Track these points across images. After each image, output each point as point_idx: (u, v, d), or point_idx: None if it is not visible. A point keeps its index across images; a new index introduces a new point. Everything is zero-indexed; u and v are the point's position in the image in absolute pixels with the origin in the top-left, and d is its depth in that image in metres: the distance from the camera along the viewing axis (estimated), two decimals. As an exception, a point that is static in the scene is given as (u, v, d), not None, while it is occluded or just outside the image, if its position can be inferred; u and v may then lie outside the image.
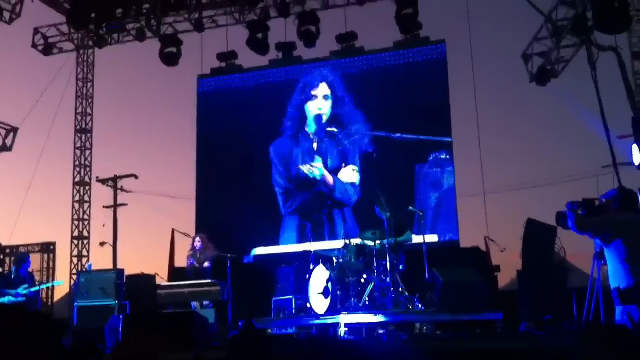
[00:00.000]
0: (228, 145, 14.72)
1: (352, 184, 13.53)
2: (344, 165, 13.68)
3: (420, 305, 8.79)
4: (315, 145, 14.00)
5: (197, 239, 11.30)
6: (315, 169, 13.78)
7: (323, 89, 14.27)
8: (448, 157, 13.15)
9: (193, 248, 11.20)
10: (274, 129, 14.37)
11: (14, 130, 16.89)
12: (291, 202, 13.89)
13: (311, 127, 14.11)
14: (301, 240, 12.67)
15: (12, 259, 13.80)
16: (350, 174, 13.58)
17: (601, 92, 12.02)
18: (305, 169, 13.86)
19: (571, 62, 13.26)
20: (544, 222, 9.42)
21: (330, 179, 13.70)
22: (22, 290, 10.32)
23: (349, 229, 12.49)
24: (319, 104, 14.19)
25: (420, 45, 14.07)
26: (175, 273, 12.85)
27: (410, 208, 10.33)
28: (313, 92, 14.28)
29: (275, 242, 13.67)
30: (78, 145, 17.78)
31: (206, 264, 10.87)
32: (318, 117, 14.11)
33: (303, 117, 14.24)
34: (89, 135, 17.87)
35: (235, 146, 14.65)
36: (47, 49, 16.31)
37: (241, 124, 14.73)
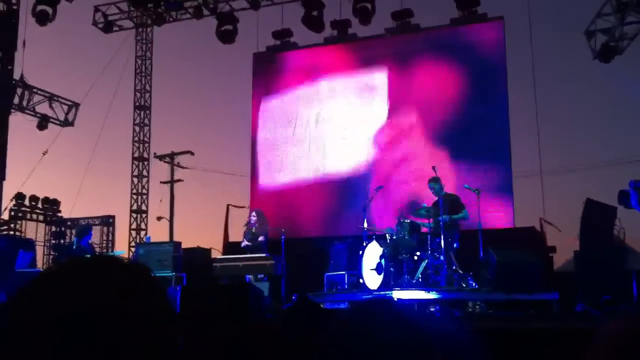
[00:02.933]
0: (284, 124, 14.81)
1: None
2: None
3: (473, 284, 8.74)
4: None
5: (253, 213, 11.43)
6: None
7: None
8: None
9: (248, 222, 11.34)
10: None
11: (76, 105, 17.35)
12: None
13: None
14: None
15: (74, 230, 14.21)
16: None
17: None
18: None
19: (635, 38, 12.85)
20: (603, 202, 9.21)
21: None
22: (84, 260, 10.64)
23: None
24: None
25: (478, 22, 13.83)
26: (229, 247, 13.06)
27: (466, 186, 10.24)
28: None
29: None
30: (137, 121, 18.14)
31: (261, 238, 11.00)
32: None
33: None
34: (147, 111, 18.20)
35: (291, 125, 14.73)
36: (107, 27, 16.66)
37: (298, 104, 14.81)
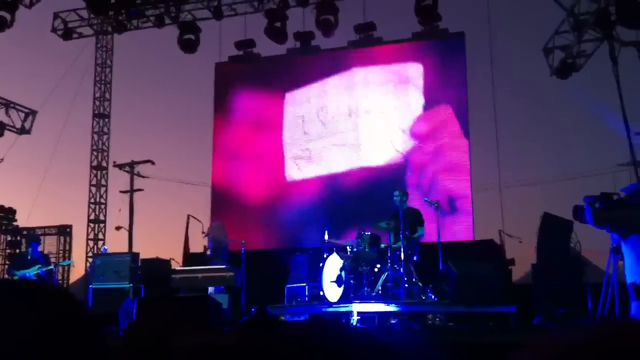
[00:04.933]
0: (245, 134, 14.74)
1: None
2: None
3: (433, 296, 8.77)
4: None
5: (212, 225, 11.35)
6: None
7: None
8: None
9: (209, 233, 11.24)
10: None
11: (33, 113, 17.02)
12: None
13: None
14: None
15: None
16: None
17: (622, 88, 11.92)
18: None
19: (592, 56, 13.13)
20: (559, 216, 9.36)
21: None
22: (35, 269, 10.43)
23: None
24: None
25: (439, 37, 14.00)
26: (189, 258, 12.91)
27: (426, 199, 10.30)
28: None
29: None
30: (96, 129, 17.86)
31: (208, 252, 10.95)
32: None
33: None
34: (106, 120, 17.94)
35: (252, 135, 14.67)
36: (67, 34, 16.39)
37: (259, 115, 14.75)
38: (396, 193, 9.51)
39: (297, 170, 14.18)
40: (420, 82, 13.73)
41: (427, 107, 13.62)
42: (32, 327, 0.91)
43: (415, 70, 13.84)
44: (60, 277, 14.84)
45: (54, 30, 16.33)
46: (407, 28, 14.38)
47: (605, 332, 0.91)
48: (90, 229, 17.65)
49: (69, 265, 14.60)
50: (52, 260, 13.44)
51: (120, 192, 21.42)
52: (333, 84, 14.38)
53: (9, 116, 16.57)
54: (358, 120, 14.00)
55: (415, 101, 13.74)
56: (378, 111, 13.90)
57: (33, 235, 11.81)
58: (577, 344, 0.91)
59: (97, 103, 17.87)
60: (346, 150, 13.94)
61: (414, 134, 13.56)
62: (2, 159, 16.40)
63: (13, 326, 0.90)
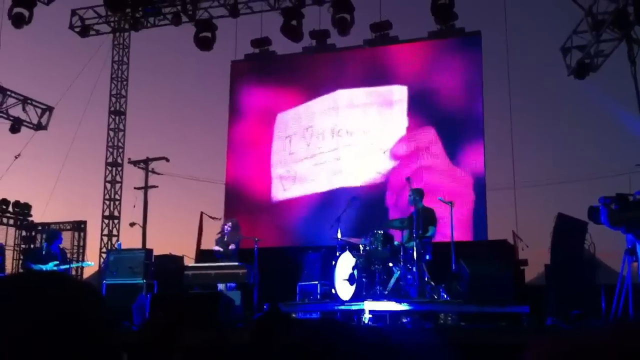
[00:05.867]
0: (259, 132, 14.76)
1: None
2: None
3: (445, 296, 8.75)
4: None
5: (228, 223, 11.34)
6: None
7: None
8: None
9: (222, 231, 11.26)
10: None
11: (50, 109, 17.16)
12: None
13: None
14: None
15: (44, 235, 14.03)
16: None
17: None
18: None
19: (610, 56, 13.03)
20: (574, 217, 9.30)
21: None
22: (52, 266, 10.48)
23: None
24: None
25: (455, 36, 13.95)
26: (202, 255, 12.96)
27: (440, 198, 10.26)
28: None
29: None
30: (112, 126, 17.98)
31: (232, 246, 10.92)
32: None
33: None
34: (122, 117, 18.06)
35: (265, 134, 14.68)
36: (84, 31, 16.50)
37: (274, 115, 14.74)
38: (411, 195, 9.50)
39: (312, 168, 14.18)
40: (404, 104, 13.67)
41: (411, 128, 13.53)
42: (51, 317, 0.92)
43: (399, 93, 13.77)
44: (74, 272, 14.95)
45: (71, 27, 16.45)
46: (423, 27, 14.39)
47: (622, 334, 0.90)
48: (104, 225, 17.78)
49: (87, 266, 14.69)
50: (69, 257, 13.56)
51: (135, 188, 21.65)
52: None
53: (26, 112, 16.72)
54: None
55: (398, 123, 13.66)
56: (360, 132, 13.87)
57: (54, 232, 11.88)
58: (595, 345, 0.90)
59: (113, 100, 17.99)
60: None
61: (394, 155, 13.51)
62: (19, 155, 16.55)
63: (33, 315, 0.91)
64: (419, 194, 9.56)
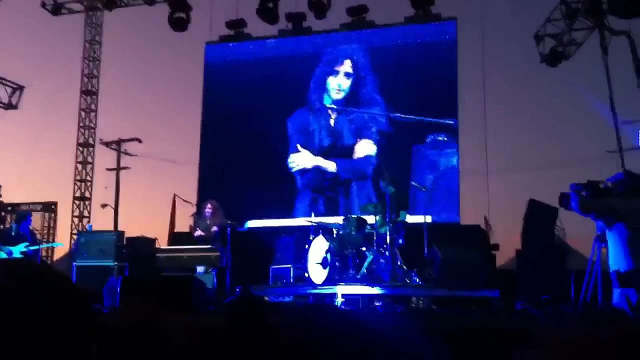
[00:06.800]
0: (234, 113, 14.64)
1: (368, 157, 13.39)
2: (358, 139, 13.54)
3: (417, 280, 8.82)
4: (332, 121, 13.86)
5: (208, 205, 11.20)
6: (295, 162, 13.70)
7: (346, 66, 14.07)
8: (446, 139, 13.05)
9: (202, 213, 11.12)
10: (288, 103, 14.20)
11: (21, 88, 16.85)
12: (305, 176, 13.73)
13: (328, 101, 13.95)
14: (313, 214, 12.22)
15: (13, 216, 13.84)
16: (365, 146, 13.44)
17: (612, 77, 11.96)
18: (291, 162, 13.74)
19: (583, 45, 13.15)
20: (545, 203, 9.41)
21: (328, 164, 13.59)
22: (22, 247, 10.36)
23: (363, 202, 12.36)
24: (340, 80, 14.00)
25: (431, 22, 13.95)
26: (175, 238, 12.89)
27: (413, 183, 10.31)
28: (336, 68, 14.08)
29: (290, 214, 13.49)
30: (83, 106, 17.74)
31: (214, 228, 10.84)
32: (337, 93, 13.94)
33: (322, 92, 14.07)
34: (94, 97, 17.82)
35: (241, 115, 14.56)
36: (56, 9, 16.21)
37: (249, 96, 14.60)
38: (380, 180, 9.51)
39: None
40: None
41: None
42: (22, 304, 0.90)
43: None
44: (44, 253, 14.79)
45: (43, 5, 16.13)
46: (399, 12, 14.36)
47: (626, 331, 0.90)
48: (75, 207, 17.59)
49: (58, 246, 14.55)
50: (39, 238, 13.40)
51: (107, 169, 21.39)
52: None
53: (-4, 91, 16.41)
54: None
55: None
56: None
57: (24, 213, 11.73)
58: (597, 341, 0.89)
59: (86, 80, 17.73)
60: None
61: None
62: (-12, 134, 16.25)
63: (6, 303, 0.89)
64: (385, 178, 9.53)
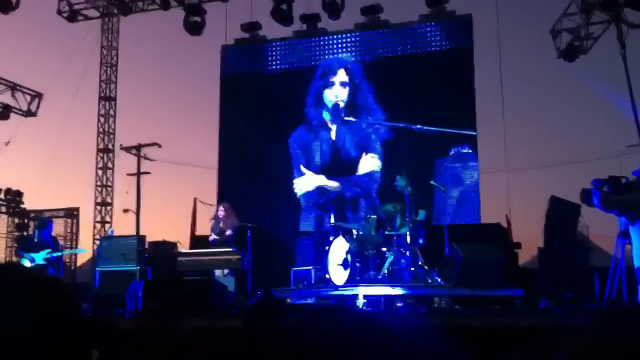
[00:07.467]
0: (251, 119, 14.65)
1: (372, 173, 13.25)
2: (364, 154, 13.40)
3: (439, 279, 8.77)
4: (333, 135, 13.75)
5: (220, 208, 11.26)
6: (298, 187, 13.62)
7: (340, 76, 13.96)
8: (470, 151, 12.92)
9: (215, 217, 11.19)
10: (294, 117, 14.10)
11: (39, 95, 17.00)
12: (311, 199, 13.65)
13: (327, 116, 13.81)
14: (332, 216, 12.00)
15: (36, 223, 13.97)
16: (370, 162, 13.29)
17: (630, 70, 11.81)
18: (295, 188, 13.68)
19: (600, 39, 12.99)
20: (567, 200, 9.31)
21: (330, 183, 13.45)
22: (44, 254, 10.44)
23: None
24: (336, 91, 13.88)
25: (446, 19, 13.88)
26: (196, 241, 12.93)
27: (432, 182, 10.26)
28: (331, 79, 13.98)
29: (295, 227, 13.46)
30: (102, 112, 17.85)
31: (228, 232, 10.87)
32: (335, 105, 13.72)
33: (320, 105, 13.92)
34: (113, 102, 17.92)
35: (258, 121, 14.55)
36: (72, 16, 16.34)
37: (265, 104, 14.60)
38: (398, 177, 9.45)
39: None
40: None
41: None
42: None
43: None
44: (67, 259, 14.91)
45: (59, 12, 16.27)
46: (414, 10, 14.31)
47: None
48: (97, 212, 17.70)
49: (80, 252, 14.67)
50: (62, 244, 13.50)
51: (127, 174, 21.49)
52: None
53: (15, 99, 16.55)
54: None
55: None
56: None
57: (44, 220, 11.83)
58: (625, 343, 0.87)
59: (103, 85, 17.84)
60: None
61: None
62: (9, 142, 16.43)
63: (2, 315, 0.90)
64: (403, 178, 9.46)
